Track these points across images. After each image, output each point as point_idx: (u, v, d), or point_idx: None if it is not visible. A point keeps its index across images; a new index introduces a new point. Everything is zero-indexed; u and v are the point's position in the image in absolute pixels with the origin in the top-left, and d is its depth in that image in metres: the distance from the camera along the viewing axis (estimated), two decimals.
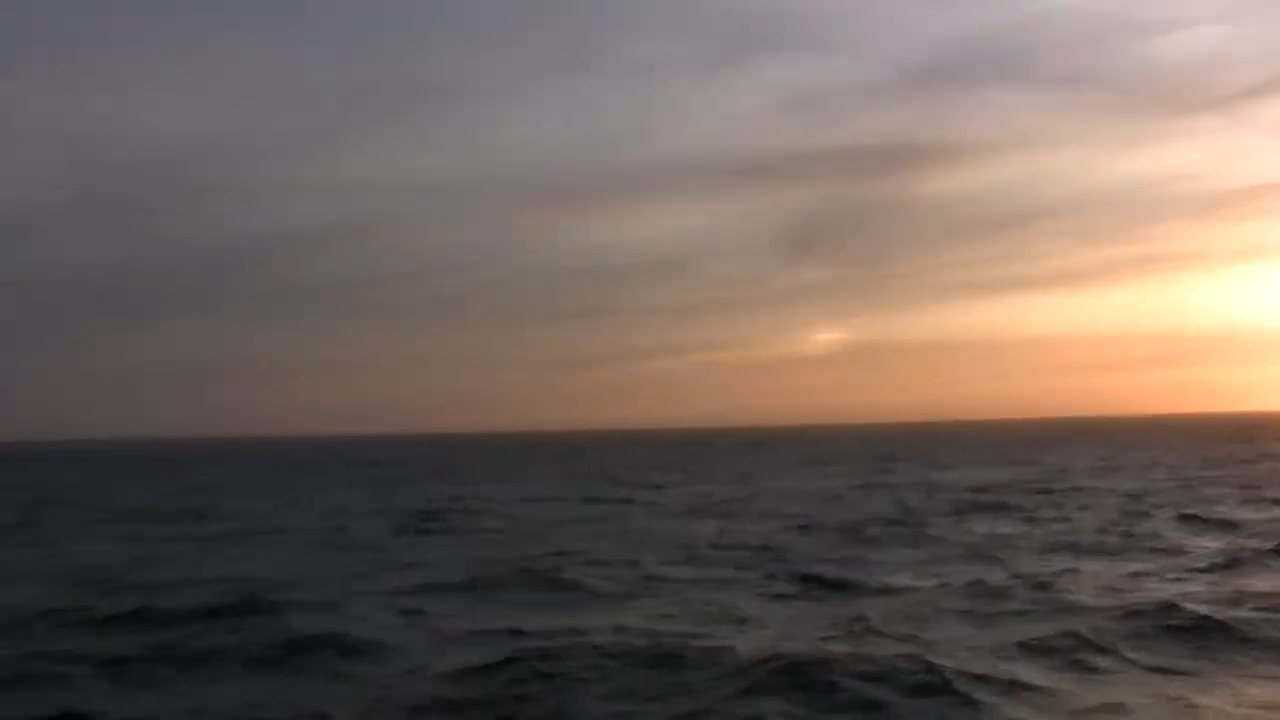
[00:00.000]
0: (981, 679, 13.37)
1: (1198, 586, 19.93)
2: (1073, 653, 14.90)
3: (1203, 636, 15.75)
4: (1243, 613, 17.08)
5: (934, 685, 13.00)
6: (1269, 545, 24.91)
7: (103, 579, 22.97)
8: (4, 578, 23.40)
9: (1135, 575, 21.61)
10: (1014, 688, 13.16)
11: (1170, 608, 17.20)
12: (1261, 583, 20.19)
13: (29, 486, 59.04)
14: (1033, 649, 15.03)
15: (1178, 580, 20.85)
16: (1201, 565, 22.57)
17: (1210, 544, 26.27)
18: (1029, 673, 13.93)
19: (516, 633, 16.44)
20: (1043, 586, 19.93)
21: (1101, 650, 15.02)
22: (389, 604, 19.52)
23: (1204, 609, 17.19)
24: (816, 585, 21.11)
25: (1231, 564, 22.56)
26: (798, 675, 13.17)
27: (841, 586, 20.92)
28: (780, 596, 20.03)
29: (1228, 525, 29.98)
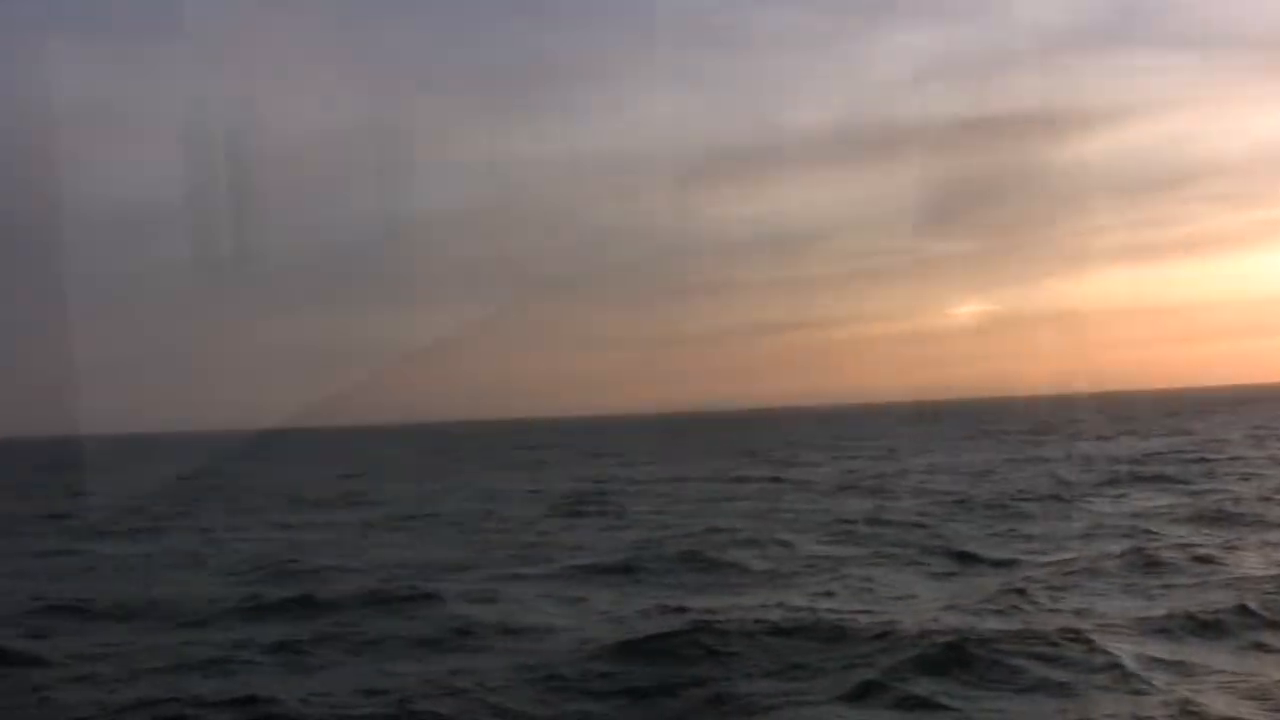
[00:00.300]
0: (1147, 654, 13.26)
1: None
2: (1242, 628, 14.67)
3: None
4: None
5: (1100, 663, 12.90)
6: None
7: (265, 566, 23.63)
8: (172, 566, 24.22)
9: None
10: (1183, 664, 13.03)
11: None
12: None
13: (186, 476, 60.91)
14: (1200, 623, 14.81)
15: None
16: None
17: None
18: (1197, 648, 13.77)
19: (678, 611, 16.64)
20: (1206, 559, 19.61)
21: (1272, 625, 14.77)
22: (548, 587, 19.86)
23: None
24: (973, 561, 21.01)
25: None
26: (961, 652, 13.16)
27: (1000, 562, 20.80)
28: (938, 573, 19.98)
29: None
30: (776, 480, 43.52)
